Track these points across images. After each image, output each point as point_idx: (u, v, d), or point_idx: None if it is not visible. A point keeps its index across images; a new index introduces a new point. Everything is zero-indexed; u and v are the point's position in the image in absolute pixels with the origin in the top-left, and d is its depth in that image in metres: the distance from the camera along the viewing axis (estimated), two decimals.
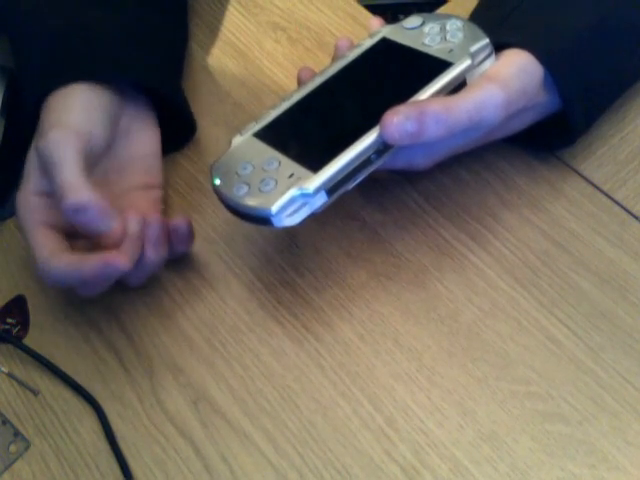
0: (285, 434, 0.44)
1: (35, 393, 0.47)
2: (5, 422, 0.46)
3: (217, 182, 0.43)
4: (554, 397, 0.44)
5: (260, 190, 0.41)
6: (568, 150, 0.52)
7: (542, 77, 0.46)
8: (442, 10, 0.62)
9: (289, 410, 0.45)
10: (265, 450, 0.43)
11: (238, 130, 0.46)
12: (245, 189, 0.42)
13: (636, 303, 0.46)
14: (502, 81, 0.44)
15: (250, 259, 0.51)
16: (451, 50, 0.46)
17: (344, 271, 0.49)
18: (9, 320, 0.49)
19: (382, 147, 0.42)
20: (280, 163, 0.43)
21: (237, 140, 0.46)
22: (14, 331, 0.49)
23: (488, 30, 0.46)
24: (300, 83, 0.49)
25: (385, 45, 0.49)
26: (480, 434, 0.43)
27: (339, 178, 0.41)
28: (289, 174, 0.41)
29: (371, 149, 0.42)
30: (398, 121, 0.41)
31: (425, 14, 0.50)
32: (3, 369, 0.48)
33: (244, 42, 0.63)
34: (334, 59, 0.50)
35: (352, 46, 0.50)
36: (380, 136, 0.42)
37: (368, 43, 0.49)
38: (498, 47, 0.46)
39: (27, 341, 0.48)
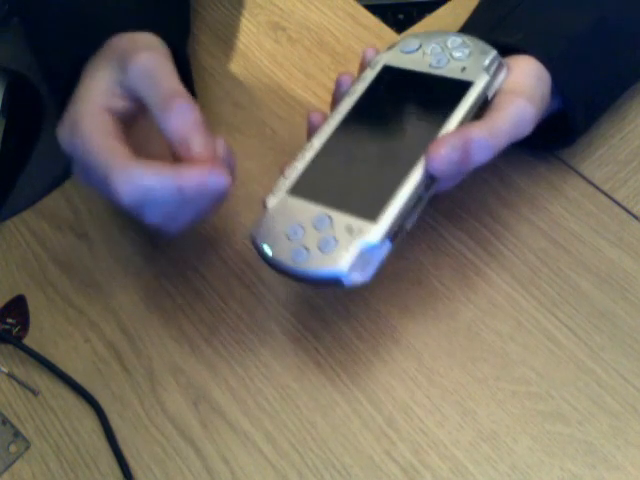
0: (285, 434, 0.44)
1: (35, 393, 0.47)
2: (5, 422, 0.46)
3: (269, 252, 0.40)
4: (554, 397, 0.44)
5: (322, 251, 0.38)
6: (568, 150, 0.52)
7: (551, 81, 0.46)
8: (442, 10, 0.62)
9: (289, 410, 0.45)
10: (265, 450, 0.43)
11: (269, 190, 0.42)
12: (304, 254, 0.39)
13: (636, 303, 0.46)
14: (527, 94, 0.43)
15: (250, 259, 0.51)
16: (464, 68, 0.44)
17: None
18: (9, 320, 0.49)
19: (429, 181, 0.41)
20: (331, 218, 0.39)
21: (272, 201, 0.42)
22: (14, 331, 0.49)
23: (487, 30, 0.46)
24: (311, 128, 0.46)
25: (390, 73, 0.46)
26: (480, 434, 0.43)
27: (399, 223, 0.39)
28: (346, 228, 0.39)
29: (421, 185, 0.40)
30: (445, 152, 0.40)
31: (418, 34, 0.48)
32: (3, 369, 0.48)
33: (244, 42, 0.63)
34: (337, 95, 0.47)
35: (354, 79, 0.47)
36: (427, 170, 0.40)
37: (371, 74, 0.46)
38: (498, 48, 0.46)
39: (27, 341, 0.48)
